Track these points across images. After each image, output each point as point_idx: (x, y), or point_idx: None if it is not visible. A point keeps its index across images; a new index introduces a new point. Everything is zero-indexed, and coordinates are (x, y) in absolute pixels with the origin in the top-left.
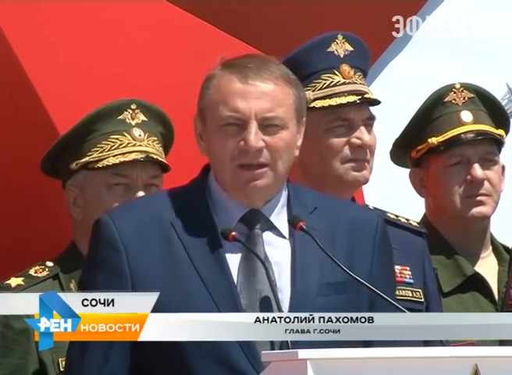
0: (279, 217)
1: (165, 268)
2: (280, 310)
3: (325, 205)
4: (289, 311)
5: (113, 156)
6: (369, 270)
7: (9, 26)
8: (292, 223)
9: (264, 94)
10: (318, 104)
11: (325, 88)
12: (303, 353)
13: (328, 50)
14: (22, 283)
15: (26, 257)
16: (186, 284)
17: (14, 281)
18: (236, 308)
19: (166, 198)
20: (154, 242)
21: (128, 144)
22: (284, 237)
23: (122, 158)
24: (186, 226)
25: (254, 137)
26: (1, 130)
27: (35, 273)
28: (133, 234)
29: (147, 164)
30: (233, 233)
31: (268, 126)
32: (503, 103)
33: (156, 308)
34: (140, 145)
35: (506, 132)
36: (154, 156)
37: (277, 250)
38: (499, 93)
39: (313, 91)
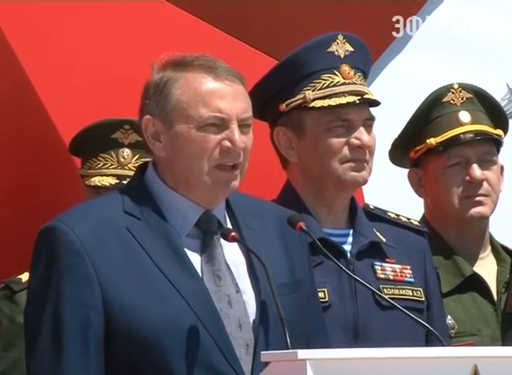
0: (225, 218)
1: (131, 271)
2: (280, 312)
3: (251, 204)
4: (257, 312)
5: (94, 176)
6: (303, 269)
7: (9, 26)
8: (291, 222)
9: (238, 94)
10: (318, 104)
11: (324, 88)
12: (302, 353)
13: (329, 50)
14: None
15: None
16: (156, 287)
17: (26, 276)
18: (211, 312)
19: (113, 202)
20: (115, 247)
21: (110, 165)
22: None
23: (97, 183)
24: (142, 231)
25: (239, 137)
26: (0, 131)
27: None
28: (93, 240)
29: None
30: (233, 233)
31: (242, 126)
32: (503, 103)
33: (127, 310)
34: (121, 168)
35: (505, 132)
36: (125, 182)
37: (231, 251)
38: (499, 93)
39: (313, 90)
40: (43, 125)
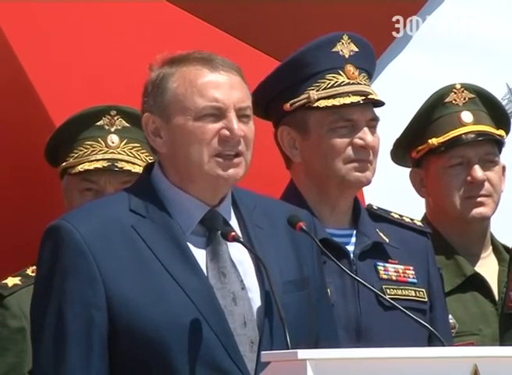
0: (231, 216)
1: (135, 269)
2: (280, 311)
3: (261, 203)
4: (262, 309)
5: (82, 163)
6: (312, 267)
7: (9, 26)
8: (291, 223)
9: (234, 84)
10: (322, 104)
11: (329, 88)
12: (302, 353)
13: (334, 50)
14: (19, 282)
15: (26, 257)
16: (160, 284)
17: (11, 281)
18: (215, 309)
19: (119, 201)
20: (119, 246)
21: (99, 151)
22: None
23: (87, 167)
24: (147, 229)
25: (237, 125)
26: (0, 130)
27: (32, 272)
28: (97, 239)
29: (117, 171)
30: (233, 233)
31: (241, 116)
32: (503, 103)
33: (131, 308)
34: (111, 152)
35: (507, 132)
36: (119, 165)
37: (237, 249)
38: (499, 93)
39: (317, 90)
40: (42, 124)
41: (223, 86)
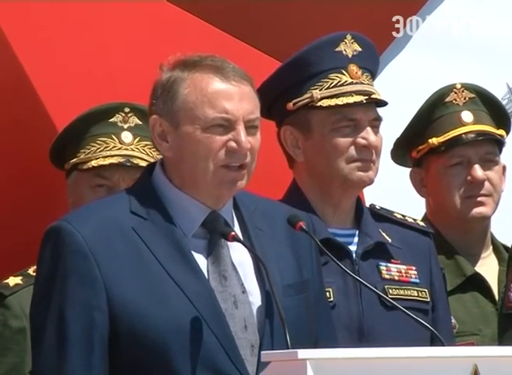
0: (233, 219)
1: (136, 271)
2: (280, 312)
3: (260, 205)
4: (263, 313)
5: (96, 159)
6: (312, 269)
7: (9, 26)
8: (291, 222)
9: (245, 95)
10: (325, 103)
11: (332, 88)
12: (302, 353)
13: (337, 50)
14: (20, 282)
15: (27, 257)
16: (161, 287)
17: (13, 280)
18: (216, 312)
19: (119, 202)
20: (120, 247)
21: (113, 147)
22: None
23: (101, 162)
24: (148, 231)
25: (245, 138)
26: (0, 130)
27: (33, 272)
28: (98, 240)
29: (131, 167)
30: (233, 233)
31: (249, 127)
32: (503, 103)
33: (132, 310)
34: (125, 149)
35: (507, 132)
36: (135, 161)
37: (237, 251)
38: (499, 93)
39: (320, 90)
40: (42, 124)
41: (234, 97)
